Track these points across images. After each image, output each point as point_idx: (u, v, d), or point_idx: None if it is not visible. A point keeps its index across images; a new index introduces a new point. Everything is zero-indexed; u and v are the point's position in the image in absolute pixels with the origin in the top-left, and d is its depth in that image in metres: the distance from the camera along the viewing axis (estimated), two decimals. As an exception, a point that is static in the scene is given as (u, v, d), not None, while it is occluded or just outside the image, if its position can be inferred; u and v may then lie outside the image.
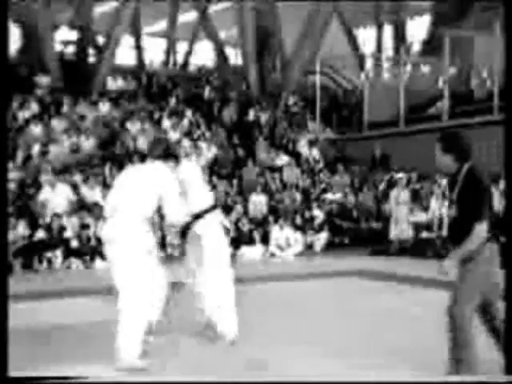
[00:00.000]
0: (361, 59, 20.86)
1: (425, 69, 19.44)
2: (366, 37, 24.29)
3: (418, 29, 22.89)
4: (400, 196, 11.67)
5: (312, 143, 15.93)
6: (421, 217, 11.80)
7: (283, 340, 5.10)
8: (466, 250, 3.80)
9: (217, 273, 4.95)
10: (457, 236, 3.86)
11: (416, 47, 21.65)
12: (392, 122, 15.85)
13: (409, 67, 18.49)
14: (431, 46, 18.96)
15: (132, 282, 4.38)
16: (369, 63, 20.91)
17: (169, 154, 4.77)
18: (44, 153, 12.48)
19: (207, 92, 17.43)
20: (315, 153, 15.55)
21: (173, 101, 16.47)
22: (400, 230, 11.54)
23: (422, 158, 13.53)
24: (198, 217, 4.97)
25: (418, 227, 11.84)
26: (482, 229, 3.78)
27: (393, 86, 16.76)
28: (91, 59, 18.09)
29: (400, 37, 22.33)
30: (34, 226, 10.16)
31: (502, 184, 10.72)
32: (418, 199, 12.52)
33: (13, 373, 2.87)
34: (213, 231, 5.01)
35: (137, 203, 4.43)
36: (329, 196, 13.56)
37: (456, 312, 3.81)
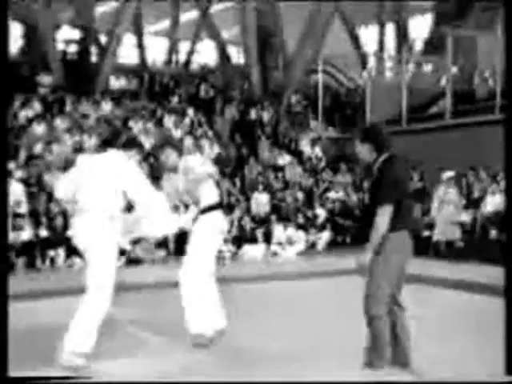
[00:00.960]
0: (363, 58, 20.85)
1: (427, 68, 19.43)
2: (368, 36, 24.27)
3: (419, 28, 22.89)
4: (446, 195, 11.11)
5: (314, 142, 15.94)
6: (463, 217, 11.27)
7: (285, 339, 5.10)
8: (373, 238, 3.91)
9: (193, 268, 4.85)
10: (370, 223, 3.96)
11: (418, 46, 21.63)
12: (394, 120, 15.84)
13: (411, 66, 18.48)
14: (433, 45, 18.95)
15: (98, 279, 4.43)
16: (371, 62, 20.90)
17: (131, 143, 4.73)
18: (46, 152, 12.49)
19: (209, 91, 17.44)
20: (317, 151, 15.56)
21: (175, 99, 16.50)
22: (446, 230, 10.92)
23: (424, 156, 13.57)
24: (203, 212, 4.91)
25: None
26: (382, 213, 3.86)
27: (395, 84, 16.75)
28: (93, 58, 18.12)
29: (402, 35, 22.30)
30: (37, 224, 10.18)
31: (502, 183, 10.72)
32: (420, 198, 12.51)
33: (13, 373, 2.87)
34: (205, 228, 4.91)
35: (101, 201, 4.39)
36: (331, 195, 13.57)
37: (369, 307, 3.89)
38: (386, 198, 3.87)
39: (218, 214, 4.99)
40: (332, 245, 12.24)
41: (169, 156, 5.05)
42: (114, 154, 4.54)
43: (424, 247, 11.30)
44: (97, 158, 4.66)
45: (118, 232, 4.49)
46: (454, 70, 16.34)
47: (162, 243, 11.09)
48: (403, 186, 4.01)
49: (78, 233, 4.50)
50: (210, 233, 4.93)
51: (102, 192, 4.38)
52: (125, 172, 4.43)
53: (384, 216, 3.85)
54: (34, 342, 5.18)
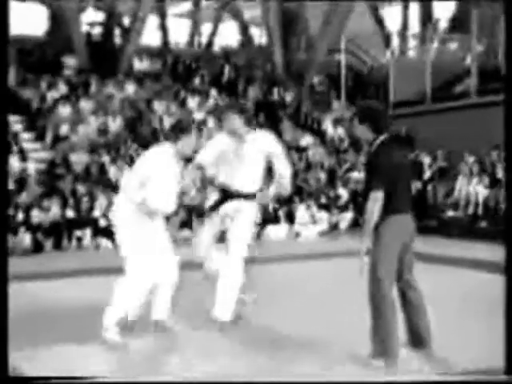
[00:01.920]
0: (386, 37, 20.63)
1: (452, 46, 19.16)
2: (391, 14, 23.97)
3: (444, 5, 22.53)
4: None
5: (337, 122, 15.89)
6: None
7: (309, 319, 5.14)
8: (364, 223, 3.91)
9: (239, 253, 4.84)
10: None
11: (443, 24, 21.32)
12: (418, 100, 15.71)
13: (436, 44, 18.24)
14: (458, 23, 18.67)
15: (133, 260, 4.48)
16: (395, 41, 20.68)
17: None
18: (72, 133, 12.67)
19: (231, 72, 17.44)
20: (340, 132, 15.53)
21: (197, 81, 16.54)
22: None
23: (448, 136, 13.47)
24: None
25: (444, 206, 11.78)
26: (372, 198, 3.82)
27: (419, 63, 16.57)
28: (117, 40, 18.22)
29: (426, 14, 21.99)
30: (64, 205, 10.36)
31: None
32: (445, 177, 12.46)
33: (39, 349, 2.99)
34: (254, 212, 4.93)
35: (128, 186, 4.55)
36: (354, 175, 13.55)
37: (373, 291, 3.87)
38: (376, 184, 3.82)
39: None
40: (355, 225, 12.26)
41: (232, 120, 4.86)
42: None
43: (449, 227, 11.30)
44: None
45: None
46: (479, 47, 16.11)
47: (186, 223, 11.21)
48: (398, 169, 3.89)
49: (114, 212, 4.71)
50: (256, 217, 5.01)
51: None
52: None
53: (373, 201, 3.81)
54: (59, 321, 5.27)
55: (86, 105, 13.65)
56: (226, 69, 17.44)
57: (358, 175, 13.54)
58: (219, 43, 21.57)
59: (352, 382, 3.16)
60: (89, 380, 3.24)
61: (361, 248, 3.92)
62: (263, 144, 4.95)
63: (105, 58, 16.02)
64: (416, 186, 12.28)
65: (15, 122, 12.97)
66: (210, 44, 21.27)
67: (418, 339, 4.07)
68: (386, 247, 3.86)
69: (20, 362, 4.00)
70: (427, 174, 13.03)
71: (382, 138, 3.93)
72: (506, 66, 3.09)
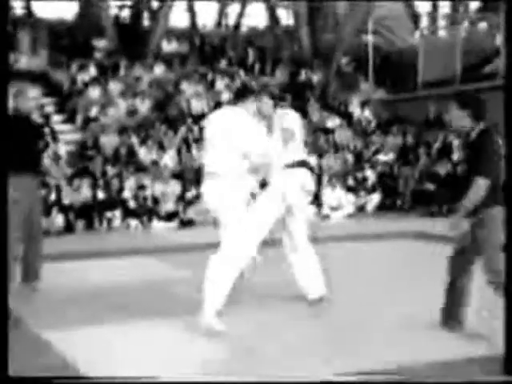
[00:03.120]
0: (415, 18, 20.38)
1: (482, 26, 18.86)
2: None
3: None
4: None
5: (364, 104, 15.82)
6: None
7: (340, 301, 5.19)
8: (463, 210, 3.93)
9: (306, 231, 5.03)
10: (463, 194, 3.95)
11: (473, 4, 20.98)
12: (447, 80, 15.54)
13: (465, 24, 17.98)
14: (489, 2, 18.36)
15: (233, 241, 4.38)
16: (424, 22, 20.42)
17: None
18: (102, 115, 12.85)
19: (259, 53, 17.43)
20: (367, 113, 15.46)
21: (225, 62, 16.58)
22: None
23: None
24: (290, 167, 4.86)
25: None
26: (479, 184, 3.85)
27: (448, 44, 16.36)
28: (146, 22, 18.32)
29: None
30: (94, 186, 10.56)
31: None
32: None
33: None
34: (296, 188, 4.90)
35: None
36: (381, 157, 13.52)
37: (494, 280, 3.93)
38: (484, 172, 3.85)
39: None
40: (382, 208, 12.27)
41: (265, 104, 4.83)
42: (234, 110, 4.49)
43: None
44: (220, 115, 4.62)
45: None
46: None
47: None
48: (500, 159, 3.94)
49: (210, 194, 4.45)
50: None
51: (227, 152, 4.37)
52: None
53: (480, 189, 3.84)
54: (90, 301, 5.38)
55: (115, 87, 13.81)
56: (253, 51, 17.42)
57: (385, 157, 13.52)
58: (246, 25, 21.53)
59: (352, 381, 3.22)
60: (89, 380, 3.28)
61: (456, 230, 3.98)
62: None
63: (134, 41, 16.14)
64: (446, 167, 12.23)
65: (47, 104, 13.21)
66: (237, 26, 21.23)
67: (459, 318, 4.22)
68: (498, 238, 3.89)
69: (56, 343, 4.08)
70: (457, 156, 12.94)
71: (482, 126, 4.00)
72: (505, 53, 3.09)
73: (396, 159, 13.39)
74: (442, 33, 19.80)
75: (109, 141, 12.02)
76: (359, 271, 6.71)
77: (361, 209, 12.15)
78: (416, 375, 3.44)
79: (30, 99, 5.38)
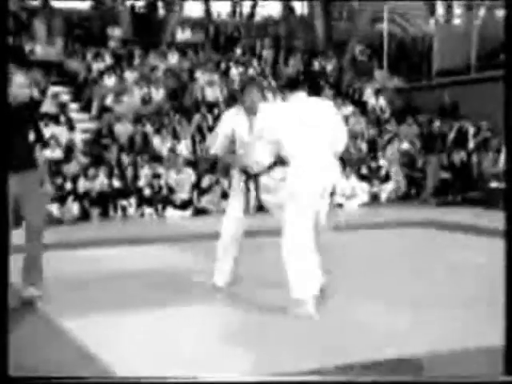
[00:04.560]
0: (431, 5, 20.19)
1: (499, 13, 18.65)
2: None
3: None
4: None
5: (379, 92, 15.76)
6: None
7: (348, 290, 5.20)
8: None
9: None
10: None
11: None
12: (463, 69, 15.43)
13: (482, 11, 17.79)
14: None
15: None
16: (439, 9, 20.23)
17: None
18: (117, 104, 12.91)
19: (273, 42, 17.40)
20: (382, 102, 15.41)
21: (239, 51, 16.58)
22: None
23: (494, 106, 13.21)
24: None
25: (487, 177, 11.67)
26: None
27: (464, 31, 16.22)
28: (160, 11, 18.34)
29: (473, -20, 21.39)
30: (109, 175, 10.65)
31: None
32: (489, 148, 12.30)
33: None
34: None
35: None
36: (403, 146, 13.44)
37: None
38: None
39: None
40: (396, 197, 12.27)
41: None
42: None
43: (494, 198, 11.19)
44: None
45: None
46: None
47: (226, 195, 11.40)
48: None
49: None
50: None
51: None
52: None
53: None
54: (105, 289, 5.40)
55: (130, 75, 13.86)
56: (267, 39, 17.39)
57: (403, 146, 13.45)
58: (261, 14, 21.47)
59: (352, 381, 3.23)
60: (89, 380, 3.27)
61: None
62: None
63: (148, 30, 16.19)
64: (461, 156, 12.18)
65: (63, 93, 13.30)
66: (251, 15, 21.18)
67: None
68: None
69: (71, 331, 4.11)
70: (471, 145, 12.89)
71: None
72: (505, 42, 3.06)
73: (421, 147, 13.23)
74: (457, 20, 19.61)
75: (124, 129, 12.10)
76: (359, 259, 6.69)
77: (374, 198, 12.15)
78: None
79: (17, 86, 4.74)
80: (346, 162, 12.62)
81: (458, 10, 19.82)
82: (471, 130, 13.12)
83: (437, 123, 13.62)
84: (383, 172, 12.64)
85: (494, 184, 11.56)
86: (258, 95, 4.92)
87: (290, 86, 4.74)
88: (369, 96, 15.58)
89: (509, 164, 3.70)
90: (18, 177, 4.59)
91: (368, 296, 4.95)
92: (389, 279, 5.58)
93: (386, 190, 12.28)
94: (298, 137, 4.43)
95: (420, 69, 16.94)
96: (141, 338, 4.04)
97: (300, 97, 4.63)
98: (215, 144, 5.14)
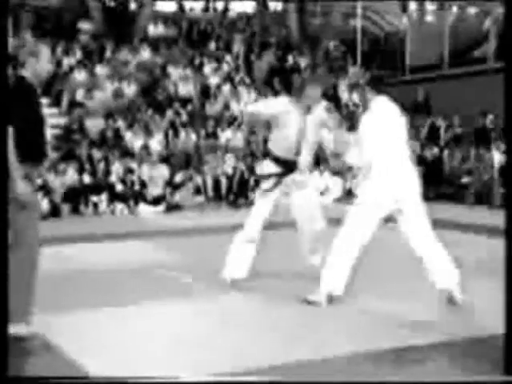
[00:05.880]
0: (403, 2, 20.28)
1: (471, 10, 18.80)
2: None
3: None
4: None
5: (352, 88, 15.72)
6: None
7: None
8: None
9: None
10: None
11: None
12: (435, 65, 15.52)
13: (454, 9, 17.91)
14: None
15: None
16: (412, 6, 20.33)
17: None
18: (88, 98, 12.72)
19: (247, 37, 17.31)
20: (355, 97, 15.37)
21: (212, 46, 16.46)
22: None
23: (465, 101, 13.32)
24: None
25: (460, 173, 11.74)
26: None
27: (437, 28, 16.33)
28: (132, 6, 18.11)
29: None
30: (80, 170, 10.48)
31: None
32: (460, 144, 12.39)
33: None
34: None
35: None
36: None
37: None
38: None
39: None
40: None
41: None
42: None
43: (465, 193, 11.30)
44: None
45: None
46: (500, 11, 15.82)
47: (200, 190, 11.31)
48: None
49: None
50: None
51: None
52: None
53: None
54: (75, 284, 5.34)
55: (101, 70, 13.67)
56: (241, 35, 17.30)
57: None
58: (235, 9, 21.34)
59: (352, 381, 3.20)
60: (89, 380, 3.20)
61: None
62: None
63: (120, 24, 15.98)
64: (432, 151, 12.23)
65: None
66: (225, 10, 21.05)
67: None
68: None
69: (42, 328, 3.99)
70: (443, 140, 12.96)
71: None
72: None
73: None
74: (430, 17, 19.73)
75: (95, 124, 11.91)
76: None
77: (348, 193, 12.13)
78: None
79: (46, 63, 4.01)
80: (320, 157, 12.62)
81: (430, 6, 19.95)
82: (443, 125, 13.20)
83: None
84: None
85: (464, 180, 11.64)
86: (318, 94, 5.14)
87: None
88: (342, 91, 15.57)
89: (509, 164, 3.70)
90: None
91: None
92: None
93: (360, 184, 12.26)
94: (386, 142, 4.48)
95: (393, 65, 17.01)
96: (113, 335, 3.94)
97: (382, 101, 4.73)
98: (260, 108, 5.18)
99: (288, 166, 5.01)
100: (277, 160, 5.01)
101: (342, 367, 3.35)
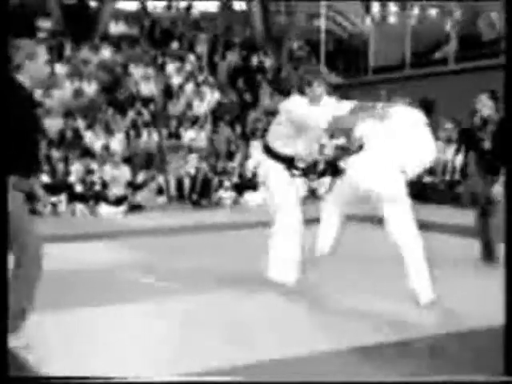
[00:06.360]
0: (367, 3, 20.43)
1: (432, 12, 19.03)
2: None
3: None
4: None
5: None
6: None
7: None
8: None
9: None
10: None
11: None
12: (398, 66, 15.64)
13: (416, 10, 18.10)
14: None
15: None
16: (375, 7, 20.49)
17: None
18: (47, 97, 12.44)
19: (211, 37, 17.19)
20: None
21: (175, 45, 16.29)
22: None
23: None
24: None
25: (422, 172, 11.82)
26: None
27: (399, 29, 16.47)
28: (93, 3, 17.83)
29: (408, -21, 21.76)
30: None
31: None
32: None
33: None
34: None
35: None
36: (333, 141, 13.50)
37: None
38: None
39: None
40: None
41: None
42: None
43: (426, 193, 11.38)
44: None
45: None
46: (460, 13, 16.03)
47: (163, 190, 11.17)
48: None
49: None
50: None
51: None
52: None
53: None
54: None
55: (60, 69, 13.39)
56: (205, 34, 17.17)
57: (336, 141, 13.50)
58: (198, 8, 21.20)
59: (352, 381, 3.13)
60: (89, 380, 3.10)
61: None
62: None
63: (80, 22, 15.69)
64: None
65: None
66: (188, 8, 20.88)
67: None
68: None
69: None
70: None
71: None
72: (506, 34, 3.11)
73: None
74: (392, 19, 19.91)
75: (54, 124, 11.64)
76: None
77: (312, 192, 12.11)
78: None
79: (43, 65, 3.71)
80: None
81: (392, 8, 20.13)
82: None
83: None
84: (320, 167, 12.62)
85: (426, 179, 11.72)
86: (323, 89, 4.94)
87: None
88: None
89: (508, 164, 3.71)
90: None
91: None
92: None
93: (324, 184, 12.27)
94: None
95: (357, 65, 17.09)
96: (71, 337, 3.82)
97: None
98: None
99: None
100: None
101: (310, 365, 3.29)
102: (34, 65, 3.58)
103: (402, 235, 4.30)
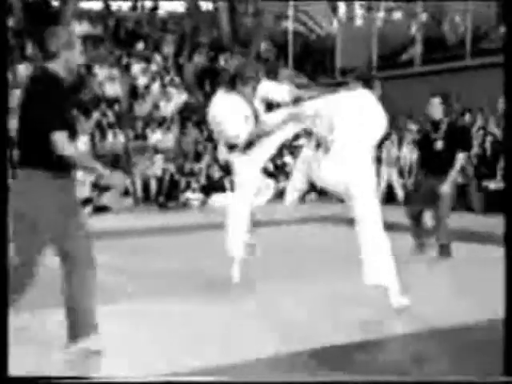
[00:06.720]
0: (333, 5, 20.51)
1: (398, 14, 19.19)
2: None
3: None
4: None
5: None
6: None
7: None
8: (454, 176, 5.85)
9: None
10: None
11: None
12: (364, 68, 15.71)
13: (382, 13, 18.24)
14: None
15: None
16: (342, 9, 20.59)
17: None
18: (9, 98, 12.13)
19: (177, 37, 17.04)
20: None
21: (141, 46, 16.09)
22: None
23: (393, 104, 13.48)
24: None
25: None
26: (462, 157, 5.95)
27: (365, 32, 16.57)
28: (55, 3, 17.51)
29: (373, -18, 21.92)
30: None
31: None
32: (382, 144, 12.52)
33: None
34: None
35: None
36: (301, 142, 13.48)
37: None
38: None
39: None
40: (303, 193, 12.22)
41: None
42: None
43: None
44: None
45: None
46: (425, 16, 16.19)
47: (129, 192, 10.99)
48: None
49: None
50: None
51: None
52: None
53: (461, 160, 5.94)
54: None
55: (22, 68, 13.08)
56: (171, 34, 17.02)
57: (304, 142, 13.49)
58: (164, 8, 21.01)
59: (352, 382, 3.06)
60: (89, 380, 3.07)
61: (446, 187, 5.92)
62: None
63: (42, 21, 15.36)
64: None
65: None
66: (154, 8, 20.69)
67: None
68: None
69: None
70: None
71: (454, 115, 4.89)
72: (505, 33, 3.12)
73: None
74: (359, 20, 20.03)
75: (15, 125, 11.35)
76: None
77: (281, 194, 12.04)
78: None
79: (79, 54, 3.52)
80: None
81: (359, 10, 20.25)
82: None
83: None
84: (289, 169, 12.57)
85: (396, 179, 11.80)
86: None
87: None
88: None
89: (508, 164, 3.63)
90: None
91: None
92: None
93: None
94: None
95: (324, 67, 17.13)
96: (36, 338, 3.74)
97: None
98: None
99: None
100: None
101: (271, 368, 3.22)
102: (70, 53, 3.41)
103: (363, 210, 4.31)
